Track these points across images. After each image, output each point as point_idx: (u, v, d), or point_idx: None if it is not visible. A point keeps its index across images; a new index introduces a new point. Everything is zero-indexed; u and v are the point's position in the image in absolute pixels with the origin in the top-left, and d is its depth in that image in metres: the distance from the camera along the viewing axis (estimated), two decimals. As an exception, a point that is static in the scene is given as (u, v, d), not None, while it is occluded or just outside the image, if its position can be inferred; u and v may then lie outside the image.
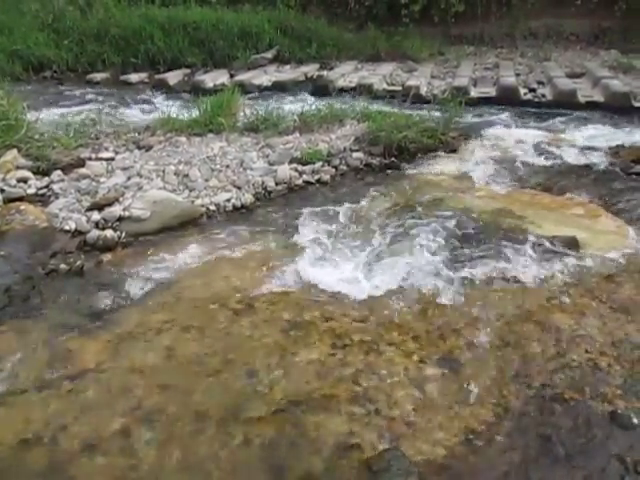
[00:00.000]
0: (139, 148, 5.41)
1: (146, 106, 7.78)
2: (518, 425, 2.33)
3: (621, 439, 2.24)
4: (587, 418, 2.35)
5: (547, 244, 3.68)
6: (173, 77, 9.22)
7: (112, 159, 5.09)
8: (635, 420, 2.31)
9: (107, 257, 3.72)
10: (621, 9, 10.01)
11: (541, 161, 5.37)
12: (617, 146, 5.64)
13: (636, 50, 9.63)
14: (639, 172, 5.03)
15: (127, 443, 2.27)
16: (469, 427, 2.31)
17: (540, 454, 2.20)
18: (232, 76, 9.24)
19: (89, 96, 8.38)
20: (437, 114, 6.15)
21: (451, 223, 4.01)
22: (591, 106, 7.25)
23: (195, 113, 6.13)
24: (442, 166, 5.28)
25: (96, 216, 4.06)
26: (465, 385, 2.54)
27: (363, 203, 4.46)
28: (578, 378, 2.57)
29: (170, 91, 8.77)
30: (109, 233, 3.90)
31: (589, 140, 5.93)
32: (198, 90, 8.08)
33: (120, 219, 4.03)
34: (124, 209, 4.09)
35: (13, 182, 4.45)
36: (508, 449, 2.22)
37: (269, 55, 9.93)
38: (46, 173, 4.70)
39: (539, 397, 2.47)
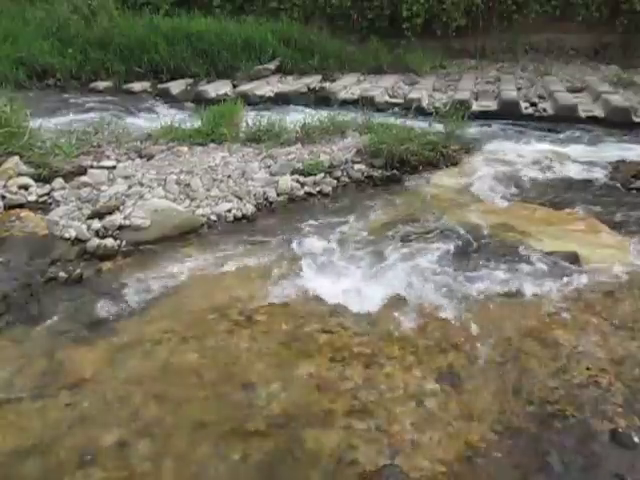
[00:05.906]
0: (141, 157, 5.41)
1: (148, 115, 7.81)
2: (518, 442, 2.31)
3: (622, 458, 2.22)
4: (587, 436, 2.33)
5: (548, 259, 3.68)
6: (176, 86, 9.26)
7: (113, 167, 5.09)
8: (636, 439, 2.29)
9: (107, 266, 3.71)
10: (622, 24, 10.09)
11: (542, 176, 5.38)
12: (617, 161, 5.65)
13: (636, 65, 9.69)
14: (639, 187, 5.04)
15: (123, 455, 2.24)
16: (468, 443, 2.29)
17: (540, 472, 2.18)
18: (235, 86, 9.28)
19: (92, 104, 8.39)
20: (439, 127, 6.17)
21: (452, 237, 4.02)
22: (592, 121, 7.27)
23: (197, 123, 6.15)
24: (443, 179, 5.29)
25: (96, 224, 4.06)
26: (465, 401, 2.52)
27: (364, 215, 4.46)
28: (578, 395, 2.55)
29: (173, 100, 8.80)
30: (109, 242, 3.89)
31: (589, 155, 5.94)
32: (201, 100, 8.10)
33: (120, 228, 4.02)
34: (125, 218, 4.09)
35: (14, 189, 4.46)
36: (507, 466, 2.20)
37: (272, 66, 9.97)
38: (47, 180, 4.72)
39: (539, 414, 2.45)
